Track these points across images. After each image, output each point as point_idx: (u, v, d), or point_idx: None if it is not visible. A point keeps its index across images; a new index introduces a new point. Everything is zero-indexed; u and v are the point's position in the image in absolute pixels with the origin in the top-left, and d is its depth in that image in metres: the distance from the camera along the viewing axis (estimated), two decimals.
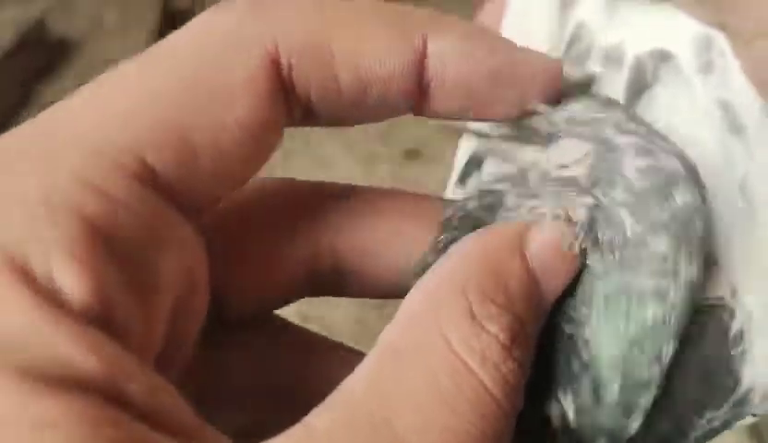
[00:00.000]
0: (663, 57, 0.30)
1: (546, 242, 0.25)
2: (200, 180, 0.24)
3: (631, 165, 0.26)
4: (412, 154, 1.05)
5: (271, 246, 0.28)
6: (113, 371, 0.20)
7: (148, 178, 0.22)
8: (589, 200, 0.26)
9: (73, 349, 0.19)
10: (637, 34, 0.31)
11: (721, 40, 0.30)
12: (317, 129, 0.28)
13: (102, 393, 0.20)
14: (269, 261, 0.28)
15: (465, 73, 0.25)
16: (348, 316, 0.84)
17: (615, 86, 0.31)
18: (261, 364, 0.29)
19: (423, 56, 0.25)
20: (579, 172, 0.27)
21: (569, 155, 0.27)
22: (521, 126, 0.27)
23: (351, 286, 0.29)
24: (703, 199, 0.26)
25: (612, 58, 0.31)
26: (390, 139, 1.04)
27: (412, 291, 0.25)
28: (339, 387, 0.22)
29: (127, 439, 0.19)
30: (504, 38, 0.27)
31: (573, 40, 0.32)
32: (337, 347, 0.31)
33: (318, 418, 0.21)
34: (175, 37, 0.24)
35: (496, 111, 0.26)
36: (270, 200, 0.29)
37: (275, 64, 0.24)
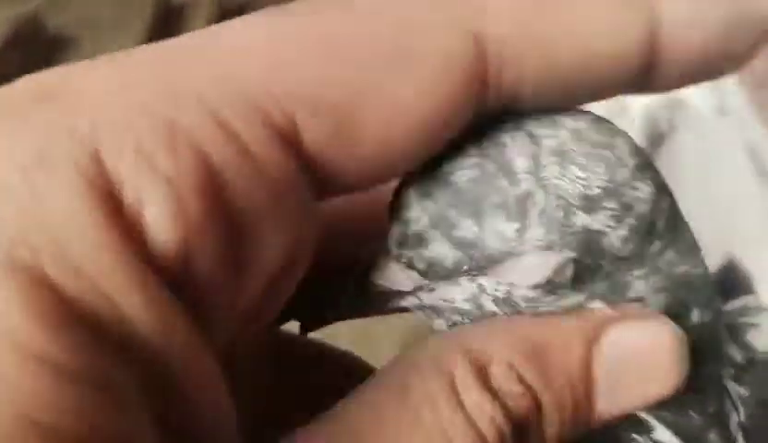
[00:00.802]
0: (677, 102, 0.29)
1: (632, 343, 0.23)
2: (354, 161, 0.20)
3: None
4: None
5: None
6: (163, 339, 0.17)
7: (290, 138, 0.19)
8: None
9: (127, 296, 0.17)
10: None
11: (727, 80, 0.30)
12: None
13: (140, 357, 0.17)
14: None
15: (700, 41, 0.21)
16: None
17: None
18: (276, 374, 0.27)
19: (657, 27, 0.21)
20: (563, 277, 0.23)
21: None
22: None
23: None
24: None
25: (613, 109, 0.31)
26: None
27: (432, 335, 0.23)
28: (334, 408, 0.20)
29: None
30: None
31: None
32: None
33: (307, 435, 0.19)
34: None
35: (729, 66, 0.22)
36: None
37: (479, 45, 0.20)
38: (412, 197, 0.22)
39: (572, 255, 0.21)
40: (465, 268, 0.22)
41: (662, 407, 0.24)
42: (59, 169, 0.17)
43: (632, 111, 0.30)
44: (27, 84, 0.18)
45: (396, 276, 0.23)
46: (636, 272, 0.23)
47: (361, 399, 0.21)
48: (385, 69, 0.19)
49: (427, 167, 0.22)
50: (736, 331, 0.26)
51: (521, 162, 0.21)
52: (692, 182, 0.28)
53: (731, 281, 0.28)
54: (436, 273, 0.22)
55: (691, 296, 0.24)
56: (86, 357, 0.16)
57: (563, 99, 0.22)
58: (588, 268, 0.22)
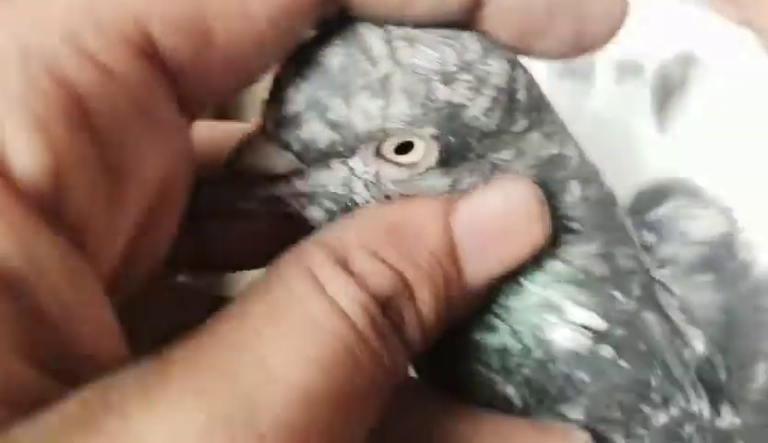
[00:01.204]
0: (690, 61, 0.29)
1: (487, 209, 0.23)
2: (210, 69, 0.20)
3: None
4: None
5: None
6: (32, 271, 0.17)
7: (148, 54, 0.19)
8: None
9: None
10: (655, 39, 0.30)
11: (750, 39, 0.29)
12: None
13: (6, 288, 0.17)
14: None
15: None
16: None
17: (635, 93, 0.30)
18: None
19: None
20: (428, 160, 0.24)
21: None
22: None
23: None
24: None
25: (627, 69, 0.30)
26: None
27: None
28: (206, 323, 0.20)
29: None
30: None
31: None
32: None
33: (179, 351, 0.19)
34: None
35: (549, 45, 0.24)
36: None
37: None
38: (289, 80, 0.23)
39: (435, 131, 0.22)
40: (338, 149, 0.23)
41: (574, 290, 0.24)
42: None
43: (647, 68, 0.30)
44: None
45: (271, 157, 0.23)
46: (503, 154, 0.23)
47: (226, 311, 0.20)
48: None
49: (302, 54, 0.23)
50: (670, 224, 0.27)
51: (377, 46, 0.22)
52: (698, 143, 0.29)
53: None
54: (309, 155, 0.23)
55: (565, 172, 0.24)
56: None
57: (397, 14, 0.23)
58: (455, 148, 0.23)
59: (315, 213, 0.24)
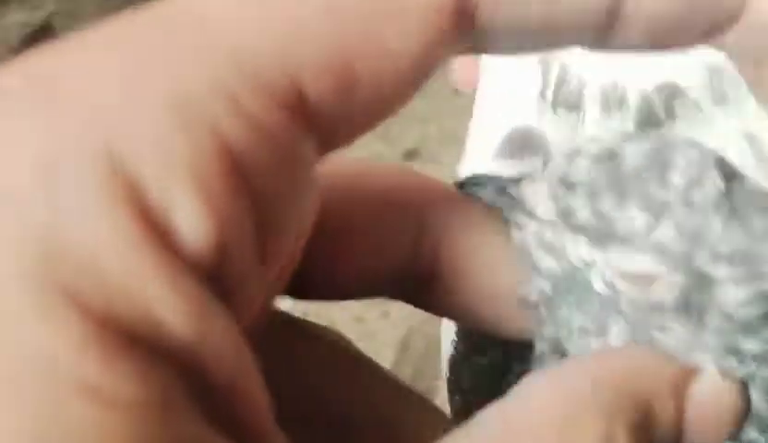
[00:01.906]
0: (673, 92, 0.30)
1: (708, 396, 0.22)
2: (352, 114, 0.19)
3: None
4: (412, 154, 1.05)
5: (378, 233, 0.24)
6: (206, 347, 0.16)
7: (297, 105, 0.18)
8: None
9: (167, 306, 0.15)
10: (636, 68, 0.30)
11: (728, 67, 0.29)
12: None
13: (183, 372, 0.16)
14: (371, 249, 0.24)
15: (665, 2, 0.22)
16: (348, 314, 0.84)
17: (621, 123, 0.30)
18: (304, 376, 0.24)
19: None
20: (665, 296, 0.22)
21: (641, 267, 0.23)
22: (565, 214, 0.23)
23: (441, 300, 0.25)
24: None
25: (611, 99, 0.30)
26: (389, 139, 1.04)
27: (530, 388, 0.21)
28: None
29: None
30: None
31: (560, 83, 0.31)
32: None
33: None
34: None
35: (680, 41, 0.22)
36: (378, 182, 0.24)
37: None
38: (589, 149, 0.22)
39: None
40: (589, 234, 0.22)
41: None
42: (73, 174, 0.15)
43: (630, 98, 0.30)
44: (16, 77, 0.17)
45: (535, 196, 0.23)
46: None
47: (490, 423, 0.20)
48: (373, 19, 0.19)
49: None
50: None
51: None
52: None
53: None
54: (566, 217, 0.22)
55: None
56: (134, 379, 0.15)
57: (532, 42, 0.22)
58: None
59: (550, 265, 0.23)
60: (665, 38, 0.22)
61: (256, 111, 0.17)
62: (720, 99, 0.30)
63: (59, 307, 0.15)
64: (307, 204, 0.20)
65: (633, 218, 0.21)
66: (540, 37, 0.22)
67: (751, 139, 0.29)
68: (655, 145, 0.22)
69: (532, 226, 0.23)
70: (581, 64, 0.31)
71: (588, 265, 0.22)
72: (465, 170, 0.28)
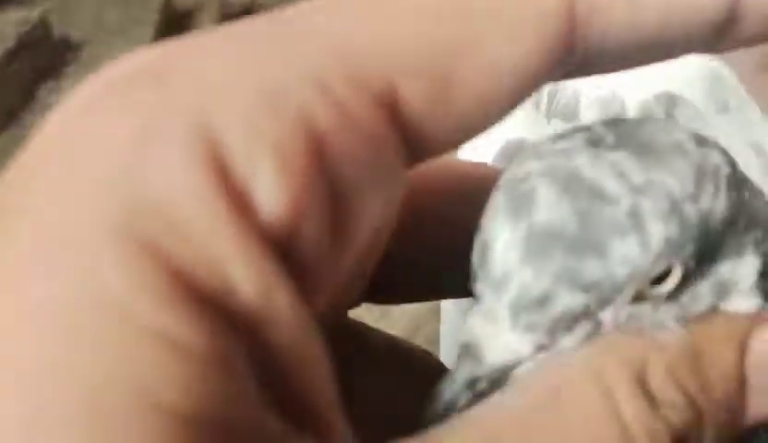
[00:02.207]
0: (673, 100, 0.29)
1: None
2: (444, 123, 0.19)
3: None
4: None
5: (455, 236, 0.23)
6: (270, 316, 0.17)
7: (389, 105, 0.18)
8: None
9: (239, 269, 0.16)
10: (634, 78, 0.30)
11: (728, 76, 0.29)
12: None
13: (247, 337, 0.16)
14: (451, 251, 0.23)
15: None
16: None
17: None
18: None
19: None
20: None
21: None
22: None
23: None
24: None
25: (610, 106, 0.30)
26: None
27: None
28: (467, 413, 0.19)
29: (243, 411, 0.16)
30: None
31: (553, 94, 0.31)
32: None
33: (447, 438, 0.18)
34: None
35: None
36: (462, 184, 0.24)
37: None
38: (511, 255, 0.20)
39: (695, 248, 0.20)
40: (592, 310, 0.20)
41: None
42: (168, 141, 0.17)
43: (629, 108, 0.30)
44: (129, 64, 0.18)
45: (513, 346, 0.21)
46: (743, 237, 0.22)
47: (500, 404, 0.19)
48: (479, 25, 0.19)
49: (510, 216, 0.21)
50: None
51: (608, 183, 0.20)
52: None
53: None
54: (557, 327, 0.20)
55: None
56: (203, 333, 0.16)
57: (640, 54, 0.21)
58: (698, 260, 0.21)
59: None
60: None
61: (346, 101, 0.18)
62: (722, 108, 0.29)
63: (139, 258, 0.16)
64: (389, 200, 0.20)
65: (625, 253, 0.20)
66: (652, 46, 0.21)
67: (758, 149, 0.29)
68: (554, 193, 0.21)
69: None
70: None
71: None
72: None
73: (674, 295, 0.21)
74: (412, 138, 0.19)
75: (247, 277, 0.16)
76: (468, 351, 0.21)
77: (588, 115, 0.30)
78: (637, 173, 0.20)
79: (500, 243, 0.20)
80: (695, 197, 0.20)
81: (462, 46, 0.19)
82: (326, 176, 0.18)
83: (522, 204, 0.20)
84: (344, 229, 0.18)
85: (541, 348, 0.20)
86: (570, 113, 0.30)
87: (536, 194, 0.20)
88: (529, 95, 0.20)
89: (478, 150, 0.34)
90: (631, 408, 0.19)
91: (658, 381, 0.20)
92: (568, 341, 0.20)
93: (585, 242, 0.20)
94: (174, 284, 0.16)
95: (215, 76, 0.18)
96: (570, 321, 0.20)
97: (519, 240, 0.20)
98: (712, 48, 0.21)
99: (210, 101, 0.17)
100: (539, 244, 0.20)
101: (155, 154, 0.16)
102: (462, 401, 0.20)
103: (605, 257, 0.20)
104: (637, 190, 0.20)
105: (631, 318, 0.21)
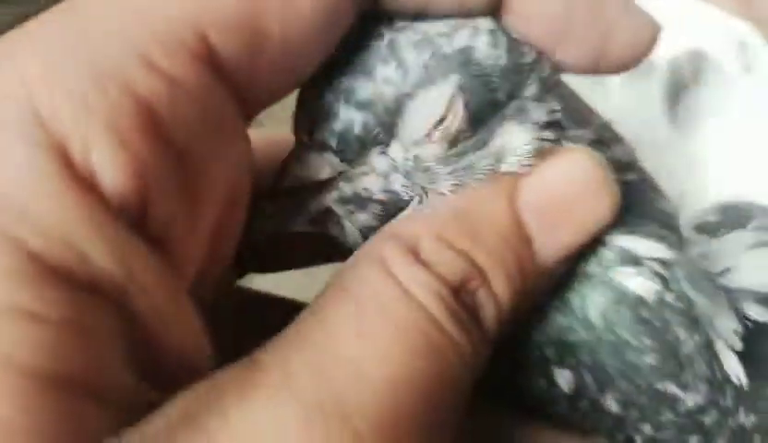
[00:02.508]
0: (701, 57, 0.30)
1: (550, 185, 0.23)
2: (264, 70, 0.21)
3: None
4: None
5: None
6: (131, 282, 0.18)
7: (209, 60, 0.20)
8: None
9: (92, 244, 0.18)
10: (666, 37, 0.30)
11: (754, 38, 0.30)
12: None
13: (108, 298, 0.18)
14: None
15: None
16: None
17: (645, 93, 0.30)
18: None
19: None
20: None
21: None
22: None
23: None
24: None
25: (638, 69, 0.30)
26: None
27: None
28: (289, 325, 0.20)
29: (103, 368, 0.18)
30: None
31: None
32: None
33: (268, 354, 0.19)
34: None
35: (569, 53, 0.24)
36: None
37: None
38: (315, 83, 0.24)
39: (457, 77, 0.23)
40: (374, 133, 0.23)
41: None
42: (5, 131, 0.18)
43: (659, 63, 0.31)
44: None
45: (313, 163, 0.24)
46: (529, 90, 0.24)
47: (309, 312, 0.21)
48: None
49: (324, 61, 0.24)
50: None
51: (383, 28, 0.24)
52: (712, 136, 0.30)
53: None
54: (349, 148, 0.24)
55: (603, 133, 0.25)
56: (60, 304, 0.17)
57: (418, 6, 0.24)
58: (481, 98, 0.23)
59: (363, 219, 0.24)
60: (550, 40, 0.24)
61: (168, 67, 0.19)
62: (746, 68, 0.30)
63: None
64: (233, 158, 0.21)
65: (387, 75, 0.24)
66: (427, 8, 0.23)
67: None
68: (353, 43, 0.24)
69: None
70: None
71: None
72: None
73: (454, 159, 0.23)
74: (239, 91, 0.21)
75: (100, 249, 0.18)
76: (282, 174, 0.24)
77: (612, 79, 0.31)
78: (402, 24, 0.24)
79: (314, 80, 0.23)
80: (449, 36, 0.23)
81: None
82: (163, 144, 0.19)
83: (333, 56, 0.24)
84: (194, 192, 0.20)
85: (341, 176, 0.24)
86: None
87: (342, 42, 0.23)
88: (333, 40, 0.22)
89: None
90: (405, 273, 0.21)
91: (429, 247, 0.21)
92: (368, 183, 0.24)
93: (359, 67, 0.23)
94: (29, 265, 0.17)
95: (39, 62, 0.18)
96: (359, 142, 0.23)
97: (323, 72, 0.23)
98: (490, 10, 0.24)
99: (39, 87, 0.18)
100: (331, 70, 0.23)
101: None
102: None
103: (371, 79, 0.23)
104: (396, 30, 0.24)
105: (418, 160, 0.23)
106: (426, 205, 0.23)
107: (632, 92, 0.30)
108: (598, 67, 0.24)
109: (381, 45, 0.23)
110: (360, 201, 0.24)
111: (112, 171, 0.18)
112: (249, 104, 0.21)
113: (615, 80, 0.31)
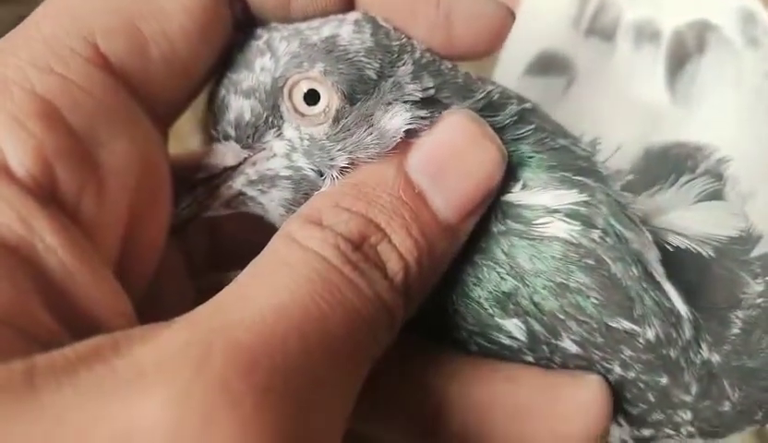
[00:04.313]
0: (706, 27, 0.30)
1: (433, 143, 0.25)
2: (153, 69, 0.25)
3: None
4: None
5: None
6: (34, 238, 0.21)
7: (101, 63, 0.24)
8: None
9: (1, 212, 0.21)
10: (671, 7, 0.31)
11: (763, 14, 0.30)
12: None
13: (16, 254, 0.21)
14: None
15: None
16: None
17: (652, 59, 0.31)
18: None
19: None
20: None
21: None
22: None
23: None
24: None
25: (645, 33, 0.31)
26: None
27: None
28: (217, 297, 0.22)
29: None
30: None
31: (598, 12, 0.31)
32: None
33: (182, 317, 0.21)
34: None
35: (417, 34, 0.27)
36: None
37: None
38: (213, 85, 0.28)
39: (323, 65, 0.26)
40: (265, 116, 0.27)
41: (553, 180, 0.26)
42: None
43: (663, 32, 0.31)
44: None
45: (217, 152, 0.27)
46: (402, 70, 0.26)
47: (234, 284, 0.23)
48: None
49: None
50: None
51: (260, 31, 0.28)
52: (715, 107, 0.30)
53: None
54: (246, 134, 0.27)
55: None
56: None
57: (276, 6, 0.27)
58: (351, 80, 0.26)
59: (278, 195, 0.27)
60: (399, 23, 0.27)
61: (62, 70, 0.23)
62: (751, 41, 0.30)
63: None
64: (132, 140, 0.24)
65: (263, 65, 0.27)
66: (285, 9, 0.27)
67: None
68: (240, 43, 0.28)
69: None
70: None
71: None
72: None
73: (342, 135, 0.26)
74: (136, 87, 0.24)
75: (6, 214, 0.21)
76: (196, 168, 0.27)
77: (623, 38, 0.31)
78: (277, 24, 0.27)
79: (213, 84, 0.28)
80: (317, 29, 0.27)
81: (143, 5, 0.24)
82: (63, 131, 0.23)
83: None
84: (96, 167, 0.23)
85: (246, 162, 0.27)
86: (609, 33, 0.31)
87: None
88: (217, 39, 0.26)
89: (516, 55, 0.34)
90: (302, 235, 0.23)
91: (326, 213, 0.24)
92: (270, 163, 0.27)
93: (242, 63, 0.27)
94: None
95: None
96: (254, 128, 0.27)
97: (219, 75, 0.28)
98: (344, 8, 0.27)
99: None
100: (223, 71, 0.27)
101: None
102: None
103: (251, 71, 0.27)
104: (272, 29, 0.27)
105: (312, 139, 0.26)
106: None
107: (637, 58, 0.31)
108: (450, 50, 0.26)
109: (259, 42, 0.27)
110: (268, 180, 0.27)
111: (19, 155, 0.22)
112: (154, 100, 0.25)
113: (625, 41, 0.31)
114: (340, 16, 0.27)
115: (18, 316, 0.20)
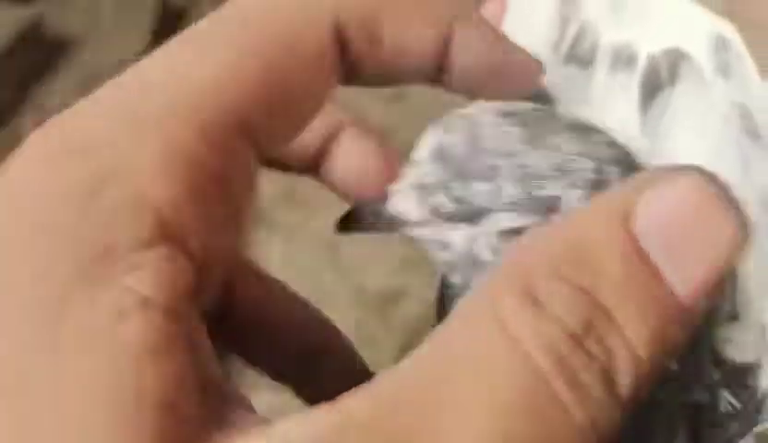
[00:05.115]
0: (679, 56, 0.30)
1: (667, 204, 0.20)
2: (279, 132, 0.27)
3: None
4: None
5: None
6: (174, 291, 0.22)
7: (246, 132, 0.25)
8: None
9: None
10: (647, 32, 0.31)
11: (736, 41, 0.30)
12: None
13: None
14: None
15: (472, 63, 0.28)
16: (347, 317, 0.84)
17: (626, 85, 0.31)
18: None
19: (448, 43, 0.28)
20: None
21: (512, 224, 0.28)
22: None
23: None
24: None
25: (621, 58, 0.31)
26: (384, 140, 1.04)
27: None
28: (382, 373, 0.19)
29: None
30: (505, 37, 0.29)
31: (577, 38, 0.32)
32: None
33: (357, 402, 0.18)
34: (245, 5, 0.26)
35: (491, 95, 0.29)
36: None
37: (338, 34, 0.26)
38: (426, 152, 0.29)
39: (537, 218, 0.26)
40: (459, 218, 0.28)
41: None
42: (108, 203, 0.22)
43: (639, 61, 0.31)
44: (49, 138, 0.24)
45: (406, 205, 0.29)
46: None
47: (424, 354, 0.20)
48: (286, 73, 0.26)
49: (437, 133, 0.29)
50: None
51: (489, 136, 0.28)
52: (682, 141, 0.30)
53: None
54: (438, 216, 0.28)
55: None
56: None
57: (386, 79, 0.29)
58: None
59: (446, 257, 0.29)
60: (482, 88, 0.29)
61: (223, 143, 0.24)
62: (721, 70, 0.30)
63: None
64: (250, 202, 0.26)
65: (480, 192, 0.27)
66: (391, 73, 0.29)
67: (744, 112, 0.29)
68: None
69: (414, 231, 0.29)
70: (599, 21, 0.32)
71: (472, 240, 0.28)
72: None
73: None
74: (260, 147, 0.26)
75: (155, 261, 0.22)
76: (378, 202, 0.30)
77: (601, 64, 0.32)
78: (512, 146, 0.28)
79: (427, 149, 0.29)
80: (550, 182, 0.27)
81: (284, 83, 0.26)
82: (203, 190, 0.23)
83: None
84: (231, 227, 0.25)
85: (426, 222, 0.28)
86: (587, 61, 0.31)
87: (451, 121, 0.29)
88: (326, 101, 0.28)
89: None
90: (515, 320, 0.19)
91: (543, 285, 0.19)
92: (452, 236, 0.28)
93: (458, 171, 0.28)
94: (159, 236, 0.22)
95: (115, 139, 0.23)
96: (445, 216, 0.28)
97: (435, 150, 0.29)
98: (439, 84, 0.29)
99: (121, 161, 0.23)
100: (439, 156, 0.28)
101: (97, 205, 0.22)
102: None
103: (466, 188, 0.27)
104: (506, 155, 0.27)
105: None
106: (536, 233, 0.22)
107: (613, 84, 0.31)
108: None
109: (485, 162, 0.27)
110: (444, 244, 0.28)
111: (163, 196, 0.23)
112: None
113: (603, 67, 0.31)
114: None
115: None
